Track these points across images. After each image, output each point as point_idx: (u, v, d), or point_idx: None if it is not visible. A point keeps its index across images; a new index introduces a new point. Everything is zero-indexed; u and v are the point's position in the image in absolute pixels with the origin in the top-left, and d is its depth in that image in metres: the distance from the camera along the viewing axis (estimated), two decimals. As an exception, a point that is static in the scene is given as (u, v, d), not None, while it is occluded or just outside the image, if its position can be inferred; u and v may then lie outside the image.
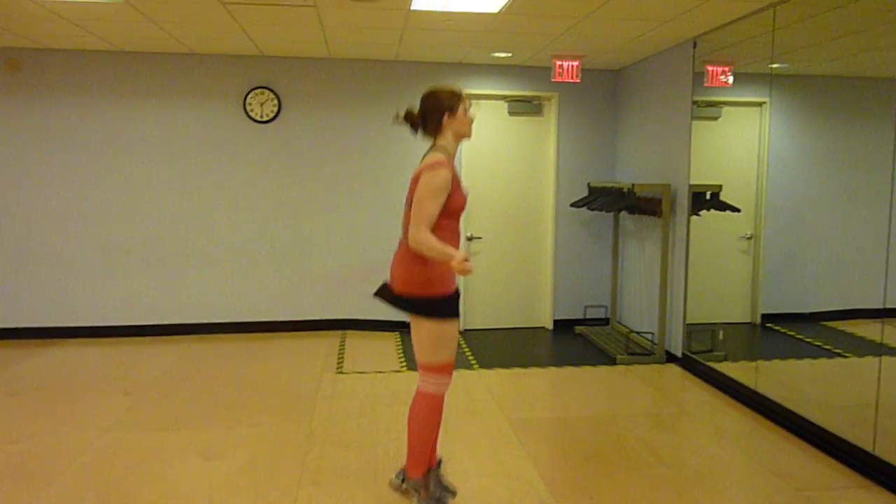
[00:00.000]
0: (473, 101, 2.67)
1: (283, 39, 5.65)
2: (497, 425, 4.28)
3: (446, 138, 3.06)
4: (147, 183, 6.35)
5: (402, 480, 3.30)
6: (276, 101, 6.39)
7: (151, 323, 6.46)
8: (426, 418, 3.11)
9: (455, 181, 2.99)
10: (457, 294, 3.07)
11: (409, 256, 2.98)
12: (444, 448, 3.86)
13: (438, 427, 3.19)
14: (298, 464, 3.68)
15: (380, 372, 5.40)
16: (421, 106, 3.09)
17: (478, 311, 6.98)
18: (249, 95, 6.37)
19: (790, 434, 4.18)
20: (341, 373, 5.37)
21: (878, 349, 4.05)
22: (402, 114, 3.14)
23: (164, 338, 6.40)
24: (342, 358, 5.79)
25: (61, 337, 6.32)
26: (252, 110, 6.38)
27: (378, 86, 6.51)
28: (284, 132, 6.48)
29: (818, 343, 6.03)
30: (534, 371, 5.55)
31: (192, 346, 6.11)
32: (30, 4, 4.59)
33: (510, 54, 6.19)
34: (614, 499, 3.31)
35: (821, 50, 5.58)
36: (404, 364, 5.63)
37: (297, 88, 6.45)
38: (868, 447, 3.56)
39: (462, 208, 3.04)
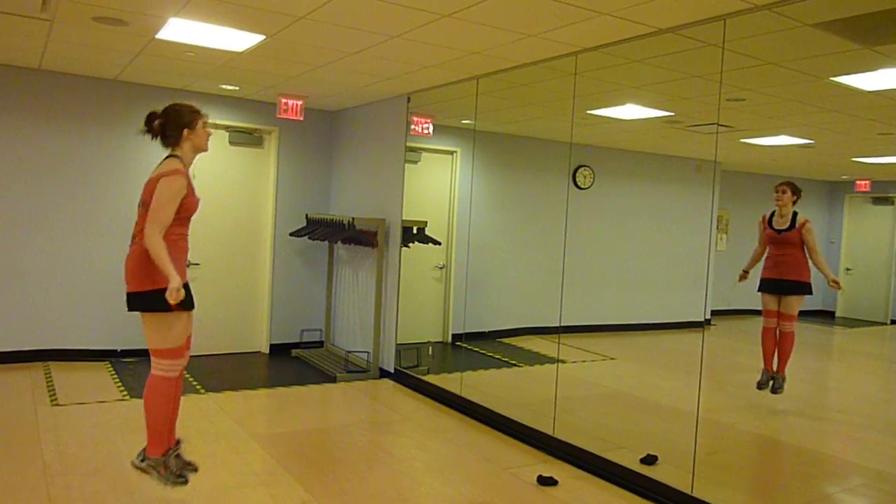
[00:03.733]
0: (209, 119, 3.18)
1: (-10, 45, 5.22)
2: (243, 441, 4.50)
3: (183, 149, 3.39)
4: None
5: (142, 459, 3.44)
6: (-31, 110, 5.78)
7: None
8: (159, 398, 3.38)
9: (189, 187, 3.32)
10: (186, 286, 3.27)
11: (139, 253, 3.24)
12: (198, 464, 4.00)
13: (173, 408, 3.46)
14: (44, 495, 3.53)
15: (102, 401, 5.20)
16: (161, 118, 3.37)
17: (195, 336, 6.96)
18: (-65, 100, 5.67)
19: (490, 428, 5.07)
20: (57, 405, 5.06)
21: (553, 360, 5.20)
22: (145, 117, 3.38)
23: None
24: (52, 390, 5.42)
25: None
26: (-63, 117, 5.68)
27: (93, 104, 6.25)
28: (-22, 144, 5.87)
29: (497, 356, 7.27)
30: (262, 392, 5.82)
31: None
32: None
33: (237, 87, 6.44)
34: (364, 491, 3.81)
35: (509, 113, 6.85)
36: (125, 392, 5.48)
37: (0, 98, 5.92)
38: (549, 431, 4.57)
39: (194, 211, 3.40)
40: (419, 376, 6.13)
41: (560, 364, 5.38)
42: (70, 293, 6.28)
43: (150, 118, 3.37)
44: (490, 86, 5.48)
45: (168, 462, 3.41)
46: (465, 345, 7.23)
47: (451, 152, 7.29)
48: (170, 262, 3.12)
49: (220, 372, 6.38)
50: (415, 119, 6.39)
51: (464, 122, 6.66)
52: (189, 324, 3.50)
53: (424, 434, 4.92)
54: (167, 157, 3.38)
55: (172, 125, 3.36)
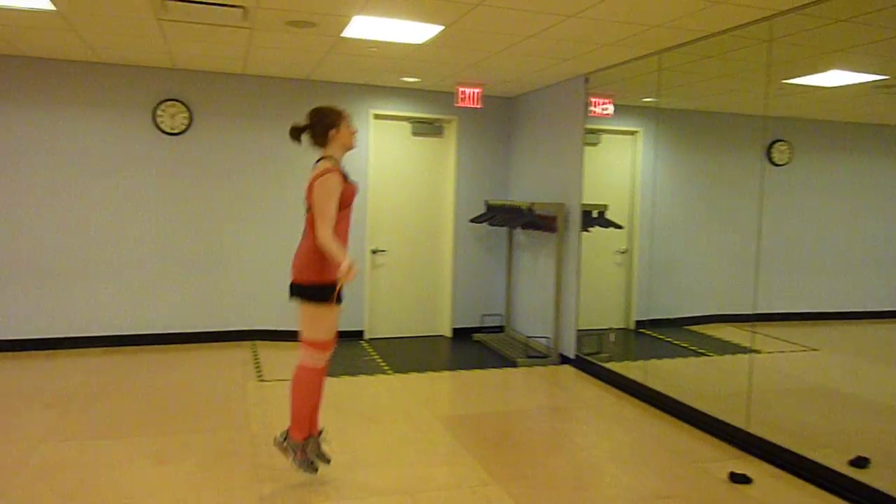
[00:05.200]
0: (353, 117, 3.40)
1: (202, 54, 5.77)
2: (426, 421, 4.66)
3: (332, 149, 3.62)
4: (52, 193, 6.19)
5: (285, 439, 3.66)
6: (187, 114, 6.45)
7: (55, 336, 6.27)
8: (304, 387, 3.60)
9: (343, 180, 3.54)
10: (335, 285, 3.52)
11: (307, 249, 3.53)
12: (382, 443, 4.20)
13: (316, 397, 3.66)
14: (250, 464, 3.88)
15: (301, 378, 5.61)
16: (308, 122, 3.63)
17: (382, 320, 7.33)
18: (159, 108, 6.38)
19: (677, 419, 4.86)
20: (263, 381, 5.54)
21: (746, 350, 4.86)
22: (289, 129, 3.67)
23: (71, 351, 6.23)
24: (259, 367, 5.94)
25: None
26: (162, 122, 6.40)
27: (289, 103, 6.73)
28: (194, 145, 6.54)
29: (685, 344, 6.92)
30: (445, 374, 5.99)
31: (101, 359, 6.01)
32: (-53, 8, 4.47)
33: (418, 79, 6.64)
34: (544, 477, 3.80)
35: (694, 88, 6.47)
36: (321, 371, 5.86)
37: (209, 102, 6.54)
38: (743, 425, 4.28)
39: (353, 197, 3.63)
40: (601, 363, 6.00)
41: (754, 354, 5.02)
42: (274, 279, 6.83)
43: (295, 131, 3.66)
44: (673, 60, 5.20)
45: (305, 448, 3.62)
46: (648, 332, 6.97)
47: (633, 132, 7.02)
48: (341, 251, 3.38)
49: (406, 354, 6.65)
50: (594, 100, 6.23)
51: (645, 100, 6.39)
52: (338, 320, 3.69)
53: (606, 422, 4.81)
54: (318, 160, 3.64)
55: (319, 128, 3.61)
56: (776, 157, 7.45)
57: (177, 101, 6.43)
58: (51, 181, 6.18)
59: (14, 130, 6.06)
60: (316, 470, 3.68)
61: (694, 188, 7.52)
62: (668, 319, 7.32)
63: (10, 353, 6.10)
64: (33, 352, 6.18)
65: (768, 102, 4.72)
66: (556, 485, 3.70)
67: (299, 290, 3.56)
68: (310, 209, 3.55)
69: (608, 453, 4.20)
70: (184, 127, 6.46)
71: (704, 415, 4.63)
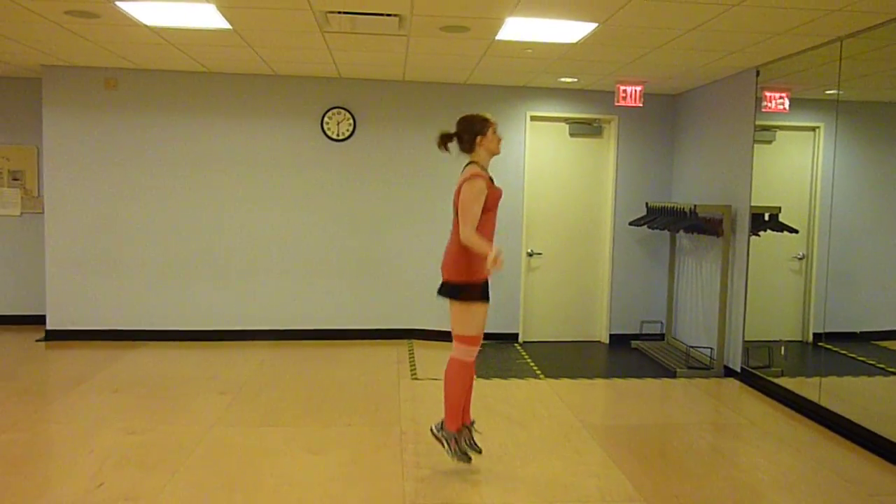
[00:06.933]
0: (510, 120, 3.63)
1: (364, 63, 6.02)
2: (575, 430, 4.55)
3: (479, 155, 3.80)
4: (231, 196, 6.74)
5: (440, 429, 3.87)
6: (351, 121, 6.76)
7: (232, 328, 6.83)
8: (456, 379, 3.79)
9: (489, 184, 3.69)
10: (485, 284, 3.77)
11: (456, 249, 3.72)
12: (528, 450, 4.15)
13: (467, 389, 3.87)
14: (398, 461, 3.98)
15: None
16: (457, 130, 3.82)
17: (537, 323, 7.26)
18: (327, 115, 6.74)
19: (855, 445, 4.39)
20: (416, 379, 5.67)
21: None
22: (437, 136, 3.84)
23: (242, 342, 6.75)
24: (413, 365, 6.09)
25: (144, 339, 6.70)
26: (329, 129, 6.76)
27: (448, 107, 6.84)
28: (359, 150, 6.84)
29: (871, 361, 6.22)
30: (599, 381, 5.81)
31: (271, 351, 6.46)
32: (142, 31, 4.98)
33: (576, 79, 6.50)
34: (698, 498, 3.56)
35: (881, 78, 5.81)
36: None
37: (371, 108, 6.82)
38: (936, 457, 3.77)
39: (498, 201, 3.77)
40: (770, 378, 5.55)
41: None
42: (430, 280, 6.97)
43: (443, 138, 3.83)
44: (857, 47, 4.69)
45: (459, 439, 3.83)
46: (828, 346, 6.34)
47: (813, 128, 6.43)
48: (484, 243, 3.57)
49: (559, 359, 6.54)
50: (766, 94, 5.78)
51: (828, 92, 5.82)
52: (486, 316, 3.85)
53: (773, 443, 4.43)
54: (466, 165, 3.82)
55: (467, 134, 3.78)
56: None
57: (342, 108, 6.76)
58: (229, 187, 6.73)
59: (201, 140, 6.67)
60: (469, 459, 3.86)
61: (884, 188, 6.76)
62: (852, 333, 6.63)
63: (194, 342, 6.71)
64: (213, 342, 6.75)
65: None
66: (709, 507, 3.46)
67: (448, 289, 3.76)
68: (457, 212, 3.73)
69: (773, 477, 3.87)
70: (348, 133, 6.78)
71: (890, 442, 4.14)
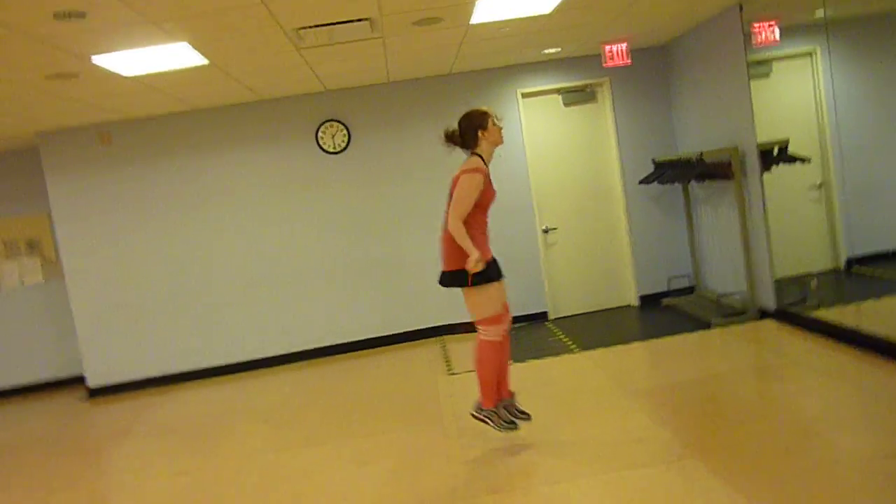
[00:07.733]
0: (499, 114, 3.77)
1: (346, 72, 6.01)
2: (617, 397, 4.51)
3: (482, 148, 3.88)
4: (239, 226, 6.80)
5: (479, 410, 3.96)
6: (345, 131, 6.77)
7: (260, 356, 6.89)
8: (486, 360, 3.86)
9: (487, 182, 3.78)
10: (493, 261, 3.84)
11: (449, 239, 3.78)
12: (570, 424, 4.13)
13: (501, 366, 3.95)
14: (444, 455, 3.98)
15: (488, 368, 5.68)
16: (459, 127, 3.92)
17: (564, 298, 7.22)
18: (320, 130, 6.76)
19: (903, 366, 4.30)
20: (453, 374, 5.67)
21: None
22: (442, 135, 3.96)
23: (272, 369, 6.81)
24: (448, 361, 6.09)
25: (179, 382, 6.79)
26: (324, 143, 6.77)
27: (438, 99, 6.81)
28: (356, 159, 6.84)
29: (909, 278, 6.08)
30: (635, 346, 5.76)
31: (301, 372, 6.51)
32: (124, 81, 5.02)
33: (559, 49, 6.44)
34: (748, 445, 3.51)
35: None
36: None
37: (362, 116, 6.82)
38: None
39: (491, 202, 3.87)
40: (806, 313, 5.46)
41: None
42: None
43: (447, 137, 3.95)
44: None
45: (499, 412, 3.92)
46: (864, 270, 6.22)
47: (808, 53, 6.28)
48: (469, 241, 3.66)
49: (592, 330, 6.50)
50: (754, 26, 5.66)
51: (817, 13, 5.68)
52: (503, 292, 3.91)
53: (820, 378, 4.35)
54: (470, 156, 3.90)
55: (468, 130, 3.87)
56: None
57: (334, 120, 6.76)
58: (236, 217, 6.79)
59: (204, 177, 6.73)
60: (516, 427, 3.93)
61: (890, 101, 6.59)
62: (884, 254, 6.49)
63: (225, 377, 6.79)
64: (243, 373, 6.82)
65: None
66: (760, 452, 3.40)
67: (449, 277, 3.85)
68: (451, 198, 3.81)
69: (823, 414, 3.80)
70: (344, 144, 6.78)
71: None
